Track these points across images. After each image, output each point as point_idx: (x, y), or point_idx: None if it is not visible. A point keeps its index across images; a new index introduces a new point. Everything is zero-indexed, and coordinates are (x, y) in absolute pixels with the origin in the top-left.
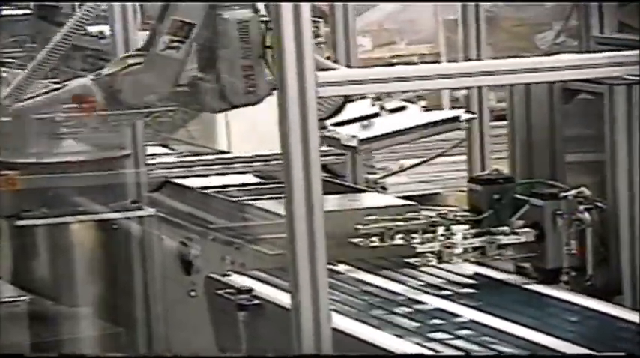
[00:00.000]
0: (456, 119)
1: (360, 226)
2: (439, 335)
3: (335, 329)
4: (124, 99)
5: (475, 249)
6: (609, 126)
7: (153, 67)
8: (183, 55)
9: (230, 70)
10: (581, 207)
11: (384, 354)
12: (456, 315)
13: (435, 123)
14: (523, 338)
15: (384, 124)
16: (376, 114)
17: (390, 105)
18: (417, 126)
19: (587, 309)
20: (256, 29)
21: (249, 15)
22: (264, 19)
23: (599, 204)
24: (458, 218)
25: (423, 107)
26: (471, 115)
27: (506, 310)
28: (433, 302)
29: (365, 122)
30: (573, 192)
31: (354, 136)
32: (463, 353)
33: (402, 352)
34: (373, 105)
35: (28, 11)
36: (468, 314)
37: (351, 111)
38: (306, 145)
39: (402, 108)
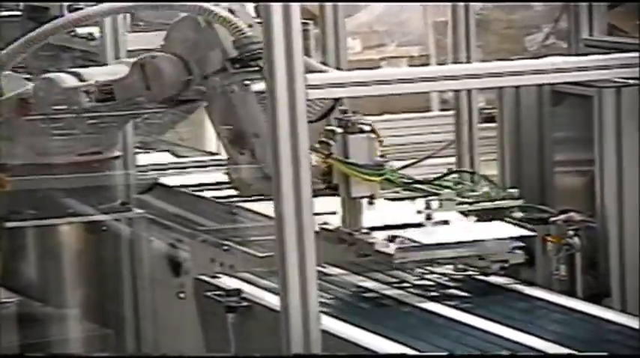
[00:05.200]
0: (508, 239)
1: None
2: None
3: (324, 331)
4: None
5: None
6: (598, 129)
7: None
8: None
9: (264, 145)
10: (571, 233)
11: (375, 354)
12: (446, 318)
13: (483, 242)
14: (511, 340)
15: (427, 233)
16: (419, 225)
17: (435, 217)
18: (463, 242)
19: (575, 312)
20: None
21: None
22: None
23: (589, 225)
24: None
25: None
26: (529, 232)
27: (495, 312)
28: (423, 304)
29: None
30: (563, 216)
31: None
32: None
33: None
34: (419, 212)
35: (17, 13)
36: (457, 316)
37: (389, 213)
38: (295, 147)
39: (447, 222)
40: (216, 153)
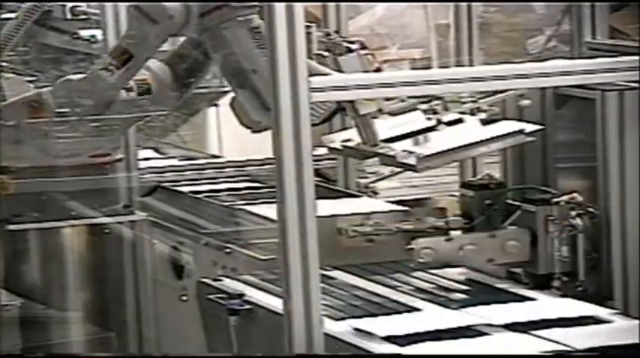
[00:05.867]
0: (520, 132)
1: (351, 231)
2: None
3: (326, 334)
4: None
5: None
6: (601, 132)
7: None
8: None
9: (262, 79)
10: (574, 213)
11: (377, 354)
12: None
13: (499, 137)
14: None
15: (443, 139)
16: (432, 128)
17: (447, 118)
18: (479, 142)
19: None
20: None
21: (258, 20)
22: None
23: (591, 210)
24: (450, 223)
25: (482, 120)
26: (536, 127)
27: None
28: (424, 307)
29: (419, 137)
30: (565, 197)
31: (411, 153)
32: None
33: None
34: (429, 118)
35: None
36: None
37: (401, 125)
38: (298, 150)
39: (460, 120)
40: (220, 156)
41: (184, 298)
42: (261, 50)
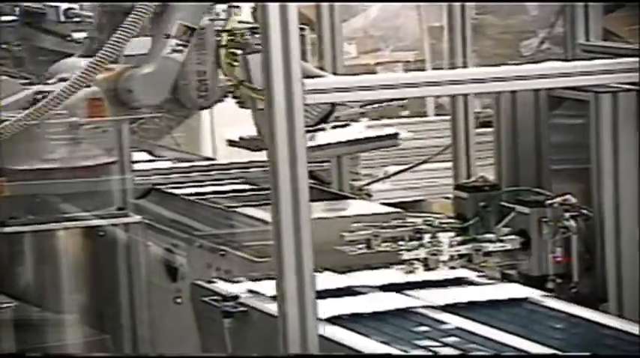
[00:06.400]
0: (394, 136)
1: (346, 233)
2: (425, 342)
3: (321, 337)
4: (135, 100)
5: (461, 256)
6: (595, 134)
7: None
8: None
9: (185, 77)
10: (567, 215)
11: (371, 354)
12: (441, 322)
13: (372, 139)
14: (508, 345)
15: (326, 138)
16: (321, 129)
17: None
18: (355, 140)
19: (573, 317)
20: (212, 36)
21: (205, 22)
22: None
23: (584, 212)
24: (444, 225)
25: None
26: (410, 134)
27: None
28: (420, 309)
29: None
30: (559, 199)
31: None
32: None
33: None
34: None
35: (13, 18)
36: (452, 321)
37: None
38: (293, 152)
39: (346, 125)
40: (213, 159)
41: (178, 300)
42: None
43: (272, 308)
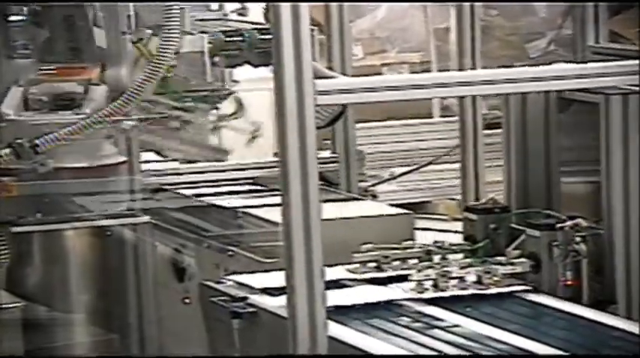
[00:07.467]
0: None
1: (356, 255)
2: (428, 341)
3: (330, 337)
4: None
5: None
6: (605, 136)
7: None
8: None
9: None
10: (578, 238)
11: (376, 355)
12: (444, 321)
13: None
14: (513, 346)
15: None
16: None
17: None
18: None
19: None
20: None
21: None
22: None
23: (595, 232)
24: (454, 247)
25: None
26: None
27: (498, 318)
28: (423, 308)
29: None
30: (570, 223)
31: None
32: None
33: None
34: None
35: (21, 17)
36: (458, 321)
37: None
38: (303, 153)
39: None
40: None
41: (187, 301)
42: None
43: (281, 309)
